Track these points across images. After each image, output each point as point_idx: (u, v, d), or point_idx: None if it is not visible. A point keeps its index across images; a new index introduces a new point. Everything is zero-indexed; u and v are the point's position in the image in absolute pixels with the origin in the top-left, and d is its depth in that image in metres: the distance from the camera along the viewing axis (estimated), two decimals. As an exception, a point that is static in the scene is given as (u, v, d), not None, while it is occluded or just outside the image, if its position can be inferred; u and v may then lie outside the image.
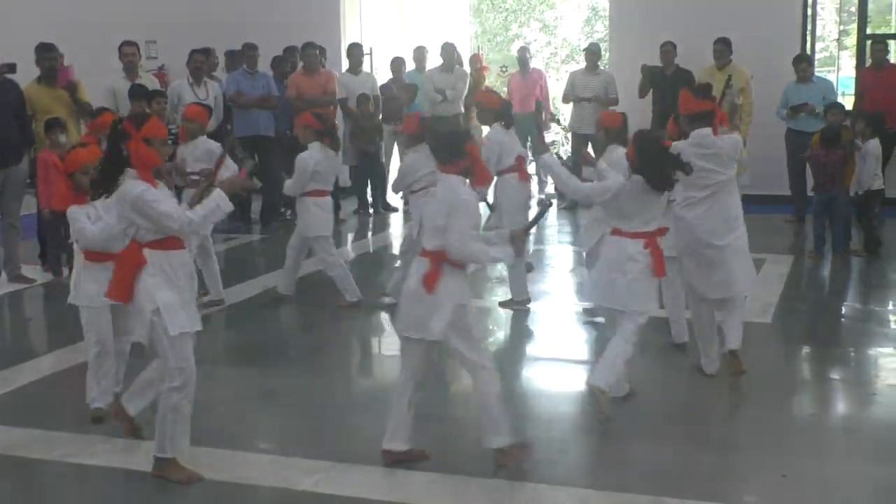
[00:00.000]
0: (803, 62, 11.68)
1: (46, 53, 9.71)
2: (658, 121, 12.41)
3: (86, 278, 5.47)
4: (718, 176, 5.87)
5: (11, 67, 9.24)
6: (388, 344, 7.54)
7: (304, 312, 8.24)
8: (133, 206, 4.57)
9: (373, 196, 13.21)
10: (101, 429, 5.39)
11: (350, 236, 12.01)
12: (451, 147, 4.82)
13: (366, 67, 13.71)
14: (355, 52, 13.03)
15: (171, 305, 4.63)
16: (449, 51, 13.38)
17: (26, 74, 9.76)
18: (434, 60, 13.77)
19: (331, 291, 8.23)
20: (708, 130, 5.88)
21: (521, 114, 14.11)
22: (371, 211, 13.18)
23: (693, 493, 4.59)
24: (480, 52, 16.50)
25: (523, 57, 14.41)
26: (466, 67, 14.00)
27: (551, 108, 15.19)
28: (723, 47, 11.83)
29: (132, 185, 4.58)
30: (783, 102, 11.53)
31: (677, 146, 5.72)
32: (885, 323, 7.76)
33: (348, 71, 13.02)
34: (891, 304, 8.38)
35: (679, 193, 5.89)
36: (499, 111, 7.97)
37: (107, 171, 4.72)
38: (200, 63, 11.62)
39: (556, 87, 18.33)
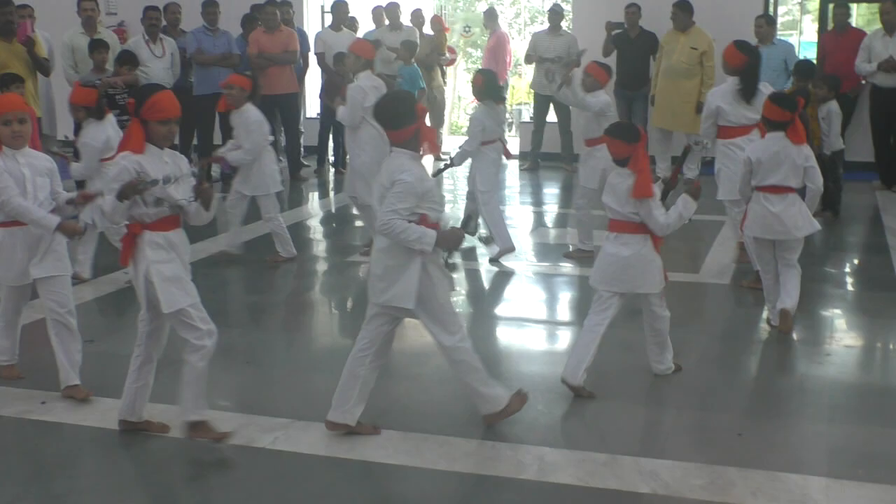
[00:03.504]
0: (760, 18, 11.69)
1: (2, 8, 9.58)
2: (622, 83, 12.45)
3: None
4: None
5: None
6: (345, 302, 7.55)
7: (257, 272, 8.20)
8: None
9: (335, 154, 13.17)
10: (57, 386, 5.34)
11: (314, 195, 12.00)
12: None
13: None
14: (340, 9, 13.05)
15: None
16: (393, 10, 13.51)
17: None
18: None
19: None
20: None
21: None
22: (332, 169, 13.15)
23: (648, 451, 4.62)
24: (443, 13, 16.45)
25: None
26: (428, 28, 13.96)
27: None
28: (678, 10, 11.76)
29: None
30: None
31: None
32: (841, 285, 7.86)
33: (330, 27, 13.05)
34: (847, 266, 8.47)
35: None
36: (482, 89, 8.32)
37: None
38: (155, 19, 11.50)
39: (520, 49, 18.30)
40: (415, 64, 12.78)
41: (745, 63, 7.23)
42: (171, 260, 4.54)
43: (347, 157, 9.68)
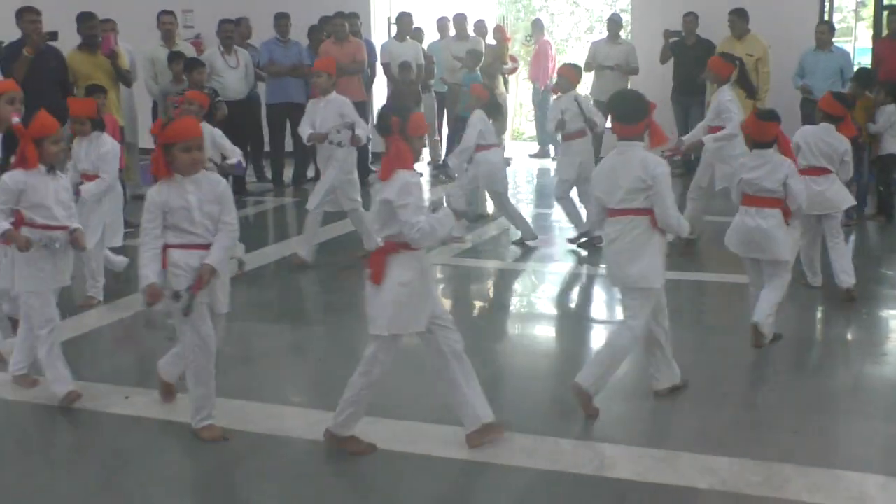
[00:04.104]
0: (823, 25, 11.85)
1: (87, 22, 9.99)
2: (678, 90, 12.57)
3: None
4: None
5: (53, 35, 9.50)
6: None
7: (332, 273, 8.42)
8: None
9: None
10: (138, 381, 5.58)
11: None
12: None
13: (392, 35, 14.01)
14: (404, 20, 13.40)
15: None
16: (461, 21, 13.89)
17: (70, 42, 10.07)
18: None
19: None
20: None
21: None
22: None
23: (706, 448, 4.70)
24: (505, 23, 16.73)
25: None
26: (490, 37, 14.23)
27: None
28: (735, 18, 11.97)
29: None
30: (799, 71, 11.67)
31: None
32: (896, 286, 7.94)
33: (395, 38, 13.43)
34: (903, 268, 8.54)
35: None
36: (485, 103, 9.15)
37: None
38: (230, 32, 11.86)
39: (580, 57, 18.42)
40: (478, 72, 13.02)
41: (734, 69, 8.36)
42: (416, 280, 4.52)
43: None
